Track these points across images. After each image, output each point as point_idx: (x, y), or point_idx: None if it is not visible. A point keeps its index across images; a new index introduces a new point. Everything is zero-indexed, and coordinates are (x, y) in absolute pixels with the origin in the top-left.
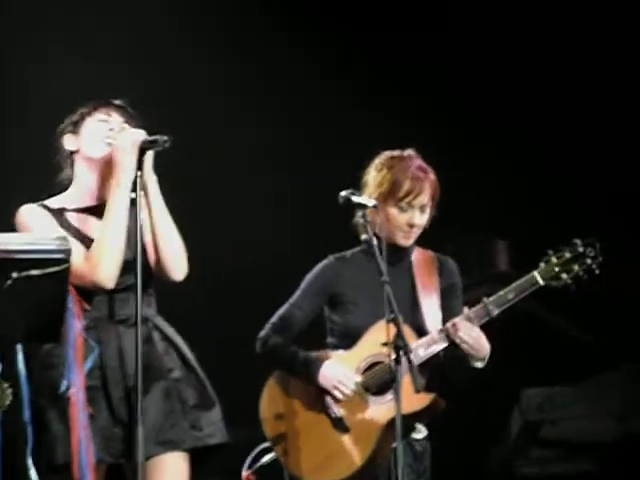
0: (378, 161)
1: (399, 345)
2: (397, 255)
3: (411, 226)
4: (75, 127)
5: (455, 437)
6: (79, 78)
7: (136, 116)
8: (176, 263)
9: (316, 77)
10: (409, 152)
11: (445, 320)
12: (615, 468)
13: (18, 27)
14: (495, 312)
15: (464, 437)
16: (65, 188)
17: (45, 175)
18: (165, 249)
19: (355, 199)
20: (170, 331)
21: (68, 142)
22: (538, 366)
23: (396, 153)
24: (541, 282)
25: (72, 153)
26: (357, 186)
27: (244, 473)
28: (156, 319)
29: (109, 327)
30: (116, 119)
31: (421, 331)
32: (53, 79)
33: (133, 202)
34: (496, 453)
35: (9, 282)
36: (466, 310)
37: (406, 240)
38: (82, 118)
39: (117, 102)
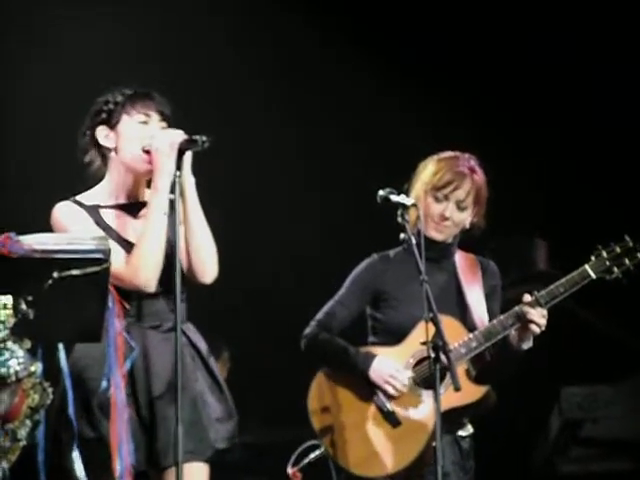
0: (435, 156)
1: (438, 344)
2: (440, 253)
3: (443, 218)
4: (110, 119)
5: (495, 435)
6: (85, 76)
7: (169, 103)
8: (207, 267)
9: (353, 76)
10: (468, 154)
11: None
12: None
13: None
14: (546, 306)
15: (504, 435)
16: (96, 181)
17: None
18: (198, 252)
19: (393, 198)
20: (196, 338)
21: (102, 136)
22: (578, 365)
23: (456, 152)
24: (593, 275)
25: (108, 149)
26: (393, 184)
27: (290, 470)
28: (184, 325)
29: (138, 332)
30: (154, 118)
31: (470, 326)
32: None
33: (172, 205)
34: (536, 451)
35: (50, 282)
36: (528, 296)
37: (436, 233)
38: (119, 112)
39: (150, 93)
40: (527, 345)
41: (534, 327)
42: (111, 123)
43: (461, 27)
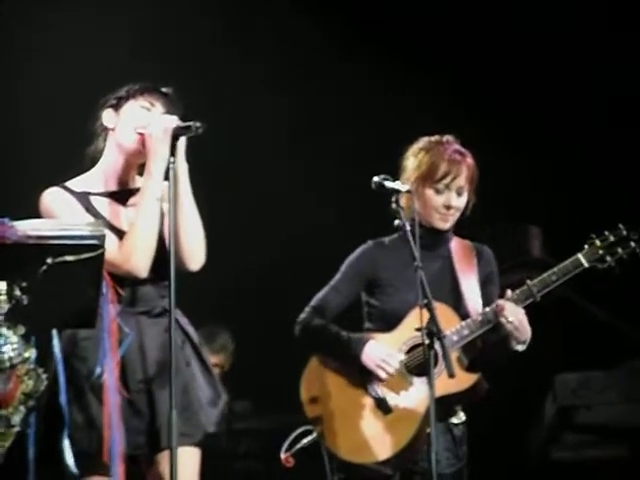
0: (416, 146)
1: (432, 330)
2: (436, 240)
3: (448, 208)
4: (118, 104)
5: (489, 422)
6: (87, 67)
7: (179, 105)
8: (195, 254)
9: (352, 62)
10: (447, 137)
11: (484, 307)
12: None
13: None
14: (539, 294)
15: (498, 422)
16: (90, 163)
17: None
18: (187, 239)
19: (388, 184)
20: (184, 322)
21: (107, 117)
22: (571, 351)
23: (434, 138)
24: (586, 264)
25: (107, 129)
26: (391, 171)
27: (283, 455)
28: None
29: (130, 318)
30: (158, 109)
31: (463, 314)
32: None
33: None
34: (530, 438)
35: (44, 268)
36: (509, 292)
37: (443, 223)
38: (126, 97)
39: (164, 90)
40: (519, 346)
41: (507, 325)
42: (117, 106)
43: (461, 22)
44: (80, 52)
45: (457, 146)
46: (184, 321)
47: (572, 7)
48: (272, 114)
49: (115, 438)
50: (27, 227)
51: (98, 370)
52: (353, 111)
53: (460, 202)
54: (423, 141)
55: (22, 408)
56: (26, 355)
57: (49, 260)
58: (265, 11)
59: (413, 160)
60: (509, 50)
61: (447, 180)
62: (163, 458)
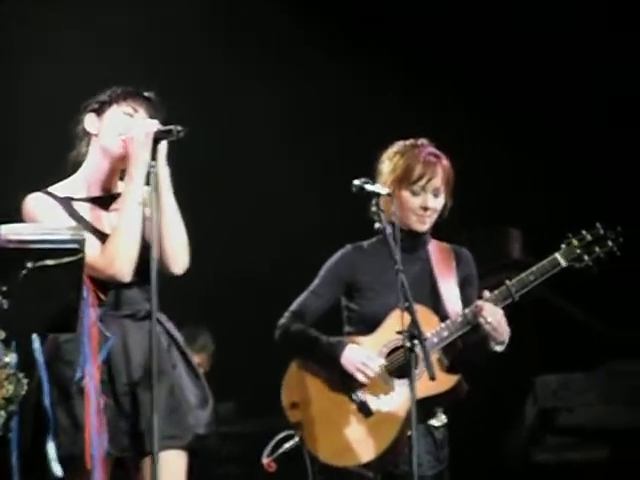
0: (391, 150)
1: (413, 333)
2: (414, 243)
3: (425, 209)
4: (100, 108)
5: (470, 424)
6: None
7: (162, 109)
8: (178, 257)
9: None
10: (422, 140)
11: (462, 309)
12: (631, 455)
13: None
14: (517, 294)
15: (479, 424)
16: (72, 168)
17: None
18: (169, 243)
19: (368, 187)
20: (170, 326)
21: (89, 122)
22: (550, 353)
23: (409, 142)
24: (563, 263)
25: (90, 134)
26: (372, 175)
27: (265, 460)
28: (157, 315)
29: (114, 322)
30: (141, 115)
31: (442, 316)
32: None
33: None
34: (511, 440)
35: (24, 272)
36: (487, 293)
37: (421, 224)
38: (109, 102)
39: (146, 94)
40: (498, 346)
41: (485, 326)
42: (99, 111)
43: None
44: (80, 52)
45: (432, 149)
46: (170, 325)
47: (572, 7)
48: (272, 114)
49: (96, 442)
50: (7, 231)
51: (79, 374)
52: (353, 111)
53: (437, 203)
54: (398, 145)
55: (3, 413)
56: (6, 360)
57: (29, 264)
58: (262, 11)
59: (388, 164)
60: (509, 50)
61: (423, 182)
62: (148, 463)
